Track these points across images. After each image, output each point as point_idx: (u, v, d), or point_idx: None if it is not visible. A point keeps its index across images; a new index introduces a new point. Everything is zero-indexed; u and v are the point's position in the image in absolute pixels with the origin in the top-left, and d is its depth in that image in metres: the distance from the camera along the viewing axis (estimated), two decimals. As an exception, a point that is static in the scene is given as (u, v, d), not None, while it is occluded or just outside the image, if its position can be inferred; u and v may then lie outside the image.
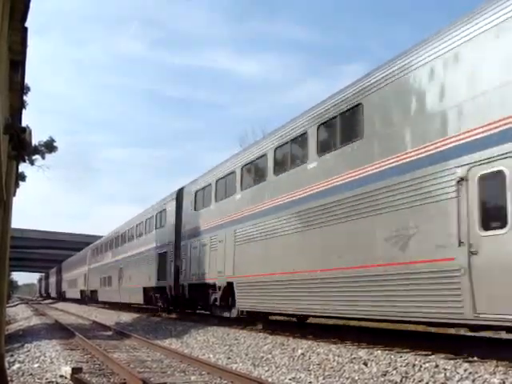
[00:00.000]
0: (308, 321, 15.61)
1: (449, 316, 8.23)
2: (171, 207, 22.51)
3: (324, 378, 8.27)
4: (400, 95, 9.74)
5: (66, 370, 8.94)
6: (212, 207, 18.04)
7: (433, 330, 11.65)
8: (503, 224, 7.41)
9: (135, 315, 26.84)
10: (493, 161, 7.60)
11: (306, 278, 11.92)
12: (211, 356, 11.60)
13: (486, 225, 7.69)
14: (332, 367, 8.83)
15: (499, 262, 7.37)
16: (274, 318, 16.20)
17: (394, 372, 7.86)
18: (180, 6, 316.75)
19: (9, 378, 8.40)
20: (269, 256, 13.67)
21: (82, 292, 48.92)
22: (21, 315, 34.21)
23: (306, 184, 12.32)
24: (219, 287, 16.66)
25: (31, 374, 9.32)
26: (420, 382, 7.30)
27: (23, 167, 25.89)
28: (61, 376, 8.94)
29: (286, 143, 13.70)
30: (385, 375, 7.85)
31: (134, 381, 8.23)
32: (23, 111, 10.38)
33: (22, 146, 8.21)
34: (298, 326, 14.74)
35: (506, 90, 7.66)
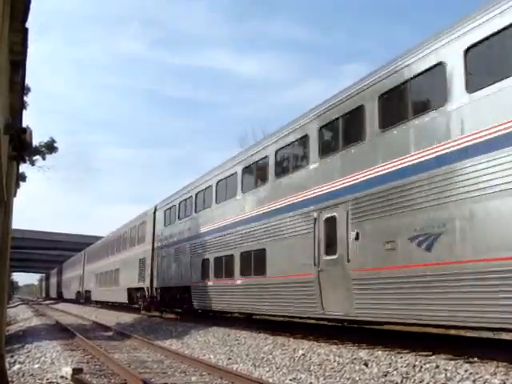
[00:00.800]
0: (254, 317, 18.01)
1: (309, 311, 12.06)
2: (149, 220, 26.34)
3: (325, 379, 8.26)
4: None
5: (67, 370, 8.93)
6: (176, 223, 22.15)
7: (433, 330, 11.64)
8: (335, 252, 11.08)
9: (136, 316, 26.83)
10: (330, 209, 11.38)
11: (245, 284, 15.23)
12: (212, 356, 11.60)
13: (327, 251, 11.37)
14: (333, 368, 8.82)
15: (333, 277, 11.09)
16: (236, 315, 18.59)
17: (395, 373, 7.86)
18: (180, 5, 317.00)
19: (9, 379, 8.40)
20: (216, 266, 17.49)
21: (77, 293, 52.26)
22: (21, 316, 34.21)
23: (234, 213, 16.40)
24: (180, 290, 20.72)
25: (32, 375, 9.32)
26: (421, 382, 7.29)
27: (24, 168, 25.95)
28: (61, 377, 8.93)
29: (224, 179, 17.64)
30: (385, 376, 7.84)
31: (135, 381, 8.23)
32: (24, 112, 10.39)
33: (22, 147, 8.22)
34: (298, 327, 14.73)
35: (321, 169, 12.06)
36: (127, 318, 26.38)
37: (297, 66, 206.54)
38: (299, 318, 14.45)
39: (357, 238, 10.41)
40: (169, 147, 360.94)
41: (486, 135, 7.86)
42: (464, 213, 8.06)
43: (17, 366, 10.45)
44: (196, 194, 20.03)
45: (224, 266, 16.66)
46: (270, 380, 8.47)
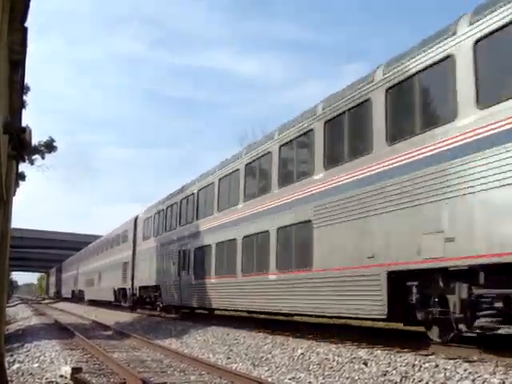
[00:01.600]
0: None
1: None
2: (131, 228, 30.56)
3: (324, 378, 8.27)
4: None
5: (66, 369, 8.93)
6: (151, 232, 26.30)
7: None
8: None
9: (135, 315, 26.85)
10: None
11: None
12: (211, 356, 11.61)
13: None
14: (332, 367, 8.82)
15: None
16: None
17: (394, 372, 7.86)
18: (180, 5, 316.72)
19: (8, 378, 8.40)
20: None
21: (72, 291, 57.37)
22: (21, 315, 34.18)
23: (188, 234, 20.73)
24: (152, 288, 25.07)
25: (31, 374, 9.32)
26: (420, 381, 7.30)
27: (23, 167, 25.90)
28: (61, 376, 8.93)
29: (186, 197, 21.41)
30: (385, 375, 7.85)
31: (134, 381, 8.23)
32: (23, 111, 10.38)
33: (21, 146, 8.21)
34: (297, 327, 14.73)
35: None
36: (127, 317, 26.38)
37: (297, 66, 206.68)
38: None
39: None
40: (169, 147, 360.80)
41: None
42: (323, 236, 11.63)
43: (16, 365, 10.45)
44: (166, 209, 23.95)
45: (194, 267, 19.97)
46: (269, 379, 8.47)
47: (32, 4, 5.70)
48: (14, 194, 10.60)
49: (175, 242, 21.75)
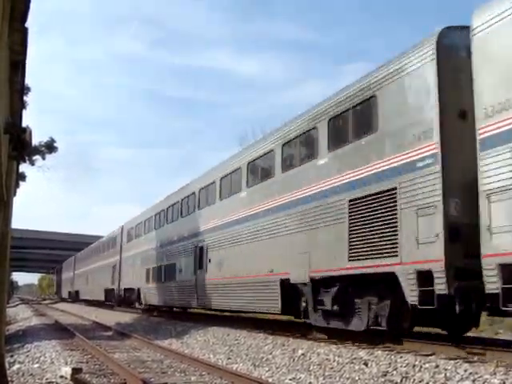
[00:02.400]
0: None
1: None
2: (118, 235, 34.81)
3: (324, 379, 8.26)
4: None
5: (66, 370, 8.93)
6: (133, 240, 30.61)
7: (433, 330, 11.63)
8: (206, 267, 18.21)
9: (135, 315, 26.86)
10: None
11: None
12: (211, 356, 11.60)
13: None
14: (332, 367, 8.82)
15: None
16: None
17: (395, 372, 7.86)
18: (180, 5, 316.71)
19: (9, 379, 8.40)
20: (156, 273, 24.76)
21: (69, 292, 61.32)
22: (21, 315, 34.17)
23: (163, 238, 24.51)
24: (134, 290, 29.25)
25: (31, 375, 9.32)
26: (420, 382, 7.30)
27: (23, 167, 25.88)
28: (61, 376, 8.93)
29: (158, 213, 25.88)
30: (385, 375, 7.84)
31: (135, 381, 8.23)
32: (23, 111, 10.39)
33: (22, 146, 8.22)
34: (298, 327, 14.73)
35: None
36: (127, 317, 26.37)
37: (297, 66, 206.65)
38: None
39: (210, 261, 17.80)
40: (169, 147, 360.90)
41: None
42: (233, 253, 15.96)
43: (16, 366, 10.45)
44: (145, 221, 28.21)
45: (157, 274, 24.25)
46: (270, 380, 8.47)
47: (32, 4, 5.71)
48: (14, 195, 10.61)
49: (152, 251, 25.84)
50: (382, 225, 9.76)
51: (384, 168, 9.89)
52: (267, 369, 9.54)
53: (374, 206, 9.99)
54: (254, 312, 16.41)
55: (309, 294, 11.93)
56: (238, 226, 15.70)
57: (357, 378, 7.98)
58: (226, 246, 16.48)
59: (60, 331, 19.11)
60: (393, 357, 8.63)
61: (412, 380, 7.42)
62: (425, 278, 8.70)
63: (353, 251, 10.40)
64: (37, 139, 27.20)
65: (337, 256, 10.82)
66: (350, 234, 10.53)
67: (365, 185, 10.32)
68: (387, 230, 9.61)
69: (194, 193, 20.28)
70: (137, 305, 28.97)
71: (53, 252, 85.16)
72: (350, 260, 10.45)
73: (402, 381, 7.49)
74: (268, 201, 13.91)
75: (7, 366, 9.42)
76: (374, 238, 9.93)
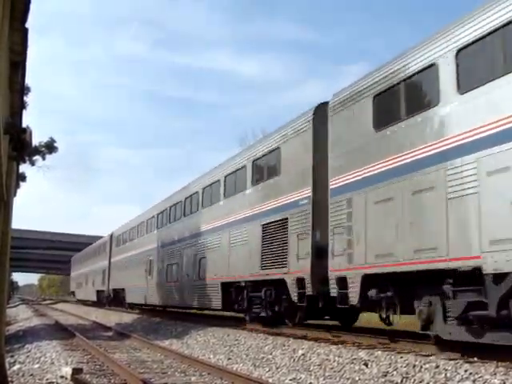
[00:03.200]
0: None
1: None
2: (108, 241, 39.08)
3: (324, 379, 8.26)
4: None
5: (67, 370, 8.93)
6: (120, 246, 34.45)
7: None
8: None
9: (136, 316, 26.86)
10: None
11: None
12: (212, 357, 11.60)
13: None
14: (332, 368, 8.82)
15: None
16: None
17: (395, 373, 7.86)
18: (180, 6, 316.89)
19: (9, 379, 8.40)
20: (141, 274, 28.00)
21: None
22: (21, 316, 34.17)
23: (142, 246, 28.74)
24: (121, 291, 33.20)
25: (31, 375, 9.32)
26: (420, 382, 7.30)
27: (24, 167, 25.86)
28: (61, 377, 8.93)
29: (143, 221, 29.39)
30: (385, 376, 7.84)
31: (135, 381, 8.23)
32: (24, 112, 10.38)
33: (22, 147, 8.22)
34: (298, 327, 14.72)
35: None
36: (127, 317, 26.39)
37: (297, 66, 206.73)
38: None
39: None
40: (169, 147, 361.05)
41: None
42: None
43: (17, 366, 10.45)
44: (130, 229, 31.98)
45: (136, 277, 28.14)
46: (270, 380, 8.47)
47: (32, 5, 5.70)
48: (14, 195, 10.60)
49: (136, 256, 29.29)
50: (279, 244, 13.22)
51: (282, 203, 13.31)
52: (267, 369, 9.54)
53: (275, 230, 13.48)
54: (201, 308, 20.51)
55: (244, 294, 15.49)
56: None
57: (357, 379, 7.98)
58: (180, 255, 21.39)
59: (60, 331, 19.11)
60: (393, 357, 8.63)
61: (412, 380, 7.42)
62: (301, 283, 12.11)
63: (263, 262, 13.98)
64: (37, 139, 27.21)
65: (253, 265, 14.59)
66: (262, 250, 14.08)
67: (271, 214, 13.79)
68: (282, 248, 13.07)
69: (153, 216, 26.64)
70: (124, 304, 32.98)
71: (53, 252, 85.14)
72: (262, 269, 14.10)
73: (402, 381, 7.49)
74: (213, 222, 17.91)
75: (7, 366, 9.41)
76: (275, 254, 13.39)
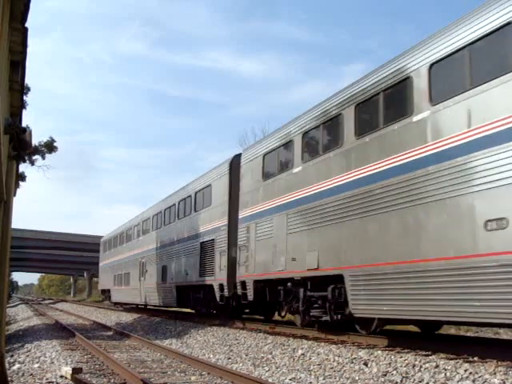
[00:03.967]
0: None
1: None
2: (101, 246, 42.67)
3: (324, 379, 8.26)
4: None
5: (67, 370, 8.93)
6: (112, 251, 37.22)
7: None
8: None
9: (135, 315, 26.85)
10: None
11: (133, 288, 29.43)
12: (211, 356, 11.60)
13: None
14: (332, 367, 8.82)
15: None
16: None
17: (395, 372, 7.86)
18: (181, 5, 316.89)
19: (9, 379, 8.40)
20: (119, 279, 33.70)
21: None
22: (21, 315, 34.20)
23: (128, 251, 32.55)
24: (107, 290, 38.37)
25: (31, 375, 9.32)
26: (420, 382, 7.30)
27: (23, 167, 25.87)
28: (61, 376, 8.93)
29: (123, 232, 34.40)
30: (385, 375, 7.85)
31: (135, 381, 8.23)
32: (23, 111, 10.38)
33: (22, 147, 8.22)
34: (298, 327, 14.73)
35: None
36: (127, 317, 26.39)
37: (298, 66, 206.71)
38: None
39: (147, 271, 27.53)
40: (169, 147, 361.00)
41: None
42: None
43: (16, 366, 10.45)
44: (119, 235, 34.93)
45: (123, 279, 31.81)
46: (270, 379, 8.47)
47: (32, 4, 5.70)
48: (14, 195, 10.60)
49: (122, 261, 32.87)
50: (209, 259, 18.11)
51: (213, 227, 18.03)
52: (267, 369, 9.54)
53: (209, 248, 18.30)
54: (165, 306, 25.10)
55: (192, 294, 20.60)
56: (154, 251, 25.85)
57: (357, 378, 7.98)
58: (152, 262, 25.88)
59: (60, 331, 19.11)
60: (393, 357, 8.64)
61: (412, 380, 7.42)
62: (222, 288, 16.82)
63: (201, 271, 18.82)
64: (37, 139, 27.21)
65: (196, 273, 19.44)
66: (200, 262, 18.91)
67: (205, 235, 18.65)
68: (211, 261, 17.92)
69: (138, 224, 29.70)
70: (109, 302, 37.74)
71: (53, 252, 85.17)
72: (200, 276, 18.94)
73: (402, 381, 7.49)
74: (172, 236, 22.83)
75: (7, 365, 9.42)
76: (207, 265, 18.22)
